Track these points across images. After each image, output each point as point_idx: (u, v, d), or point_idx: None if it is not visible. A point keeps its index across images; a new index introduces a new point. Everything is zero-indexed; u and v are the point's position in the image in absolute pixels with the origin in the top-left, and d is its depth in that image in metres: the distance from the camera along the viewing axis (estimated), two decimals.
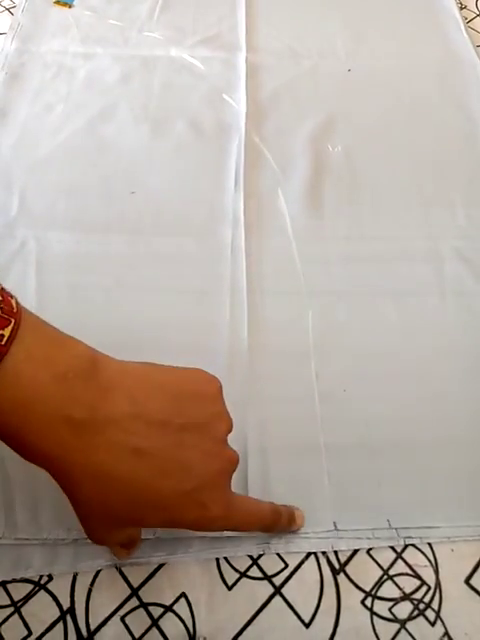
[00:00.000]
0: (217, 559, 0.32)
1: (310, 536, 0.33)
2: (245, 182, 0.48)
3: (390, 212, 0.47)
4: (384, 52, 0.60)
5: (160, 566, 0.31)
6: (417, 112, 0.55)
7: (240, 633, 0.30)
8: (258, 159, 0.49)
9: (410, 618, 0.31)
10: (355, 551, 0.32)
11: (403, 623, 0.30)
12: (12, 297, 0.23)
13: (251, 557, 0.32)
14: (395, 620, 0.31)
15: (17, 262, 0.42)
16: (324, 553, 0.32)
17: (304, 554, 0.32)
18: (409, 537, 0.33)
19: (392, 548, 0.33)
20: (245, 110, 0.52)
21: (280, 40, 0.60)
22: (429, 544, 0.33)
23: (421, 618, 0.31)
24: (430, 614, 0.31)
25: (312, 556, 0.32)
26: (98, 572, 0.31)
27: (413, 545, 0.33)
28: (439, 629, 0.30)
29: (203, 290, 0.42)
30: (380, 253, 0.45)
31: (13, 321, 0.22)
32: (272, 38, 0.60)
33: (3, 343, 0.21)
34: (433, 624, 0.30)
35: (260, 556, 0.32)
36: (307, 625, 0.30)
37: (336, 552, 0.32)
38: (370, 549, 0.33)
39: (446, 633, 0.30)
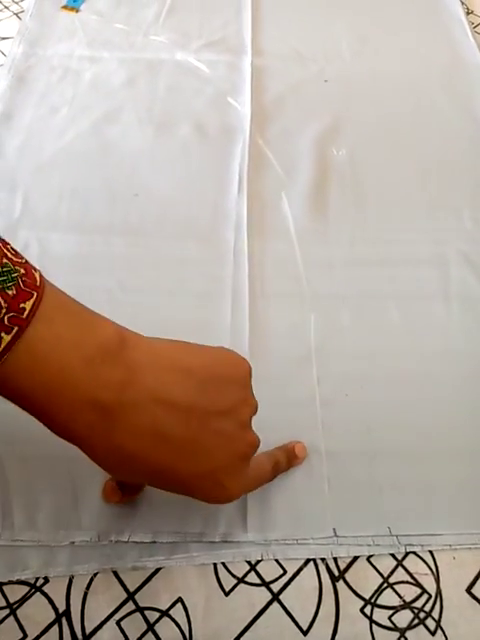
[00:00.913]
0: (214, 564, 0.31)
1: (309, 542, 0.32)
2: (249, 185, 0.47)
3: (395, 216, 0.47)
4: (390, 56, 0.60)
5: (157, 571, 0.31)
6: (423, 116, 0.55)
7: (237, 639, 0.30)
8: (262, 162, 0.49)
9: (410, 627, 0.30)
10: (355, 558, 0.32)
11: (403, 632, 0.30)
12: (36, 270, 0.22)
13: (249, 563, 0.32)
14: (395, 629, 0.30)
15: None
16: (323, 560, 0.32)
17: (303, 560, 0.32)
18: (410, 544, 0.32)
19: (393, 555, 0.32)
20: (250, 113, 0.52)
21: (286, 43, 0.60)
22: (430, 552, 0.32)
23: (421, 627, 0.30)
24: (430, 623, 0.30)
25: (311, 563, 0.32)
26: (94, 575, 0.31)
27: (414, 553, 0.32)
28: (439, 639, 0.30)
29: (205, 293, 0.42)
30: (384, 257, 0.44)
31: (35, 294, 0.21)
32: (278, 41, 0.60)
33: (24, 317, 0.21)
34: (433, 633, 0.30)
35: (258, 562, 0.32)
36: (305, 632, 0.30)
37: (335, 559, 0.32)
38: (370, 556, 0.32)
39: None
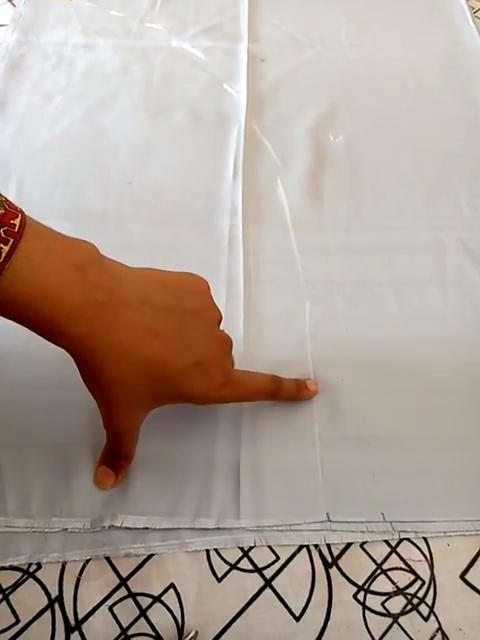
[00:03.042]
0: (207, 550, 0.31)
1: (302, 528, 0.32)
2: (244, 172, 0.47)
3: (392, 202, 0.47)
4: (388, 42, 0.59)
5: (149, 557, 0.31)
6: (421, 102, 0.54)
7: (229, 625, 0.29)
8: (258, 149, 0.49)
9: (403, 613, 0.30)
10: (348, 545, 0.32)
11: (396, 618, 0.30)
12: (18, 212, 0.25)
13: (242, 549, 0.32)
14: (388, 615, 0.30)
15: None
16: (316, 546, 0.32)
17: (296, 547, 0.32)
18: (404, 531, 0.32)
19: (386, 542, 0.32)
20: (245, 100, 0.52)
21: (282, 30, 0.59)
22: (424, 538, 0.32)
23: (414, 613, 0.30)
24: (424, 609, 0.30)
25: (304, 549, 0.32)
26: (87, 561, 0.31)
27: (408, 539, 0.32)
28: (432, 624, 0.30)
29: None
30: (381, 244, 0.44)
31: (20, 214, 0.24)
32: (274, 28, 0.59)
33: (16, 231, 0.24)
34: (426, 619, 0.30)
35: (251, 548, 0.32)
36: (297, 618, 0.30)
37: (329, 545, 0.32)
38: (364, 543, 0.32)
39: (440, 628, 0.29)
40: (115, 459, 0.33)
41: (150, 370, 0.28)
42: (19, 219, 0.24)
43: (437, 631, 0.29)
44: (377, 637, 0.29)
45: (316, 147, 0.49)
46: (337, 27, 0.60)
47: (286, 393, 0.35)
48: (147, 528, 0.31)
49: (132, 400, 0.29)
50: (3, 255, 0.23)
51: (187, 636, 0.29)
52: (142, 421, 0.31)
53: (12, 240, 0.23)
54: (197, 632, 0.29)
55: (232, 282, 0.41)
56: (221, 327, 0.32)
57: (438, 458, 0.35)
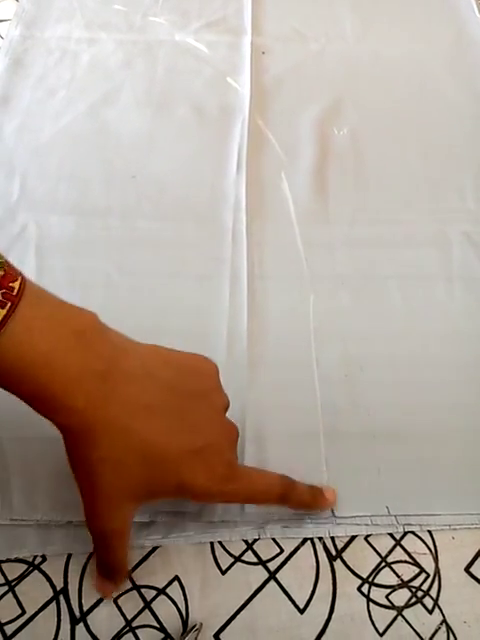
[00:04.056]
0: (211, 543, 0.31)
1: (306, 521, 0.32)
2: (248, 166, 0.47)
3: (397, 196, 0.46)
4: (394, 35, 0.58)
5: (154, 549, 0.31)
6: (427, 95, 0.54)
7: (233, 617, 0.30)
8: (261, 142, 0.49)
9: (407, 605, 0.30)
10: (353, 538, 0.32)
11: (400, 610, 0.30)
12: (18, 275, 0.24)
13: (246, 542, 0.32)
14: (392, 607, 0.30)
15: (17, 246, 0.42)
16: (321, 539, 0.32)
17: (300, 540, 0.32)
18: (409, 524, 0.32)
19: (391, 535, 0.32)
20: (249, 93, 0.52)
21: (287, 23, 0.59)
22: (429, 532, 0.32)
23: (419, 606, 0.30)
24: (428, 602, 0.30)
25: (308, 542, 0.32)
26: (91, 554, 0.31)
27: (412, 532, 0.32)
28: (437, 617, 0.30)
29: (203, 275, 0.41)
30: (386, 237, 0.44)
31: (20, 277, 0.23)
32: (278, 21, 0.59)
33: (15, 294, 0.23)
34: (431, 612, 0.30)
35: (255, 541, 0.32)
36: (302, 611, 0.30)
37: (333, 538, 0.32)
38: (368, 536, 0.32)
39: (444, 621, 0.29)
40: (106, 571, 0.29)
41: (145, 452, 0.25)
42: (18, 282, 0.23)
43: (441, 624, 0.29)
44: (381, 630, 0.29)
45: (320, 141, 0.49)
46: (342, 20, 0.59)
47: (297, 499, 0.30)
48: (152, 521, 0.32)
49: (120, 487, 0.25)
50: (2, 315, 0.22)
51: (191, 628, 0.29)
52: (130, 521, 0.27)
53: (10, 304, 0.22)
54: (202, 624, 0.29)
55: (236, 276, 0.41)
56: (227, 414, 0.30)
57: (443, 452, 0.34)
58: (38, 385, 0.23)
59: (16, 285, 0.23)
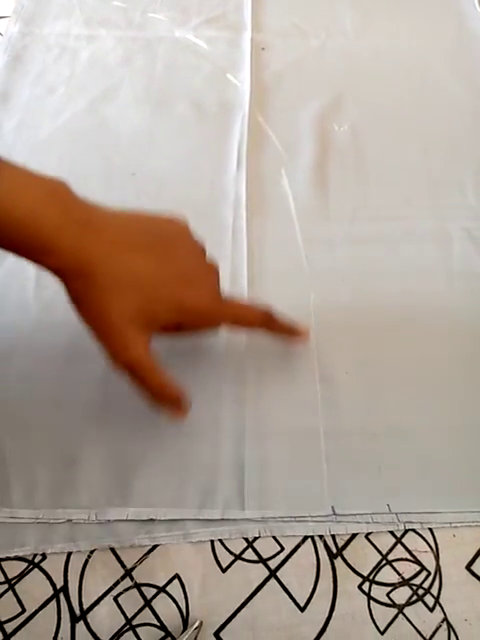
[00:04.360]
0: (211, 541, 0.31)
1: (307, 520, 0.32)
2: (248, 163, 0.47)
3: (397, 192, 0.46)
4: (394, 30, 0.58)
5: (154, 547, 0.31)
6: (427, 91, 0.53)
7: (234, 616, 0.30)
8: (261, 139, 0.48)
9: (408, 603, 0.30)
10: (353, 535, 0.32)
11: (401, 608, 0.30)
12: None
13: (246, 540, 0.32)
14: (393, 605, 0.30)
15: None
16: (321, 537, 0.32)
17: (301, 538, 0.32)
18: (409, 522, 0.32)
19: (392, 533, 0.32)
20: (249, 90, 0.51)
21: (287, 19, 0.58)
22: (430, 529, 0.32)
23: (420, 604, 0.30)
24: (429, 600, 0.30)
25: (309, 540, 0.32)
26: (92, 552, 0.31)
27: (413, 530, 0.32)
28: (438, 615, 0.30)
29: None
30: (386, 234, 0.44)
31: None
32: (278, 17, 0.58)
33: None
34: (432, 609, 0.30)
35: (256, 539, 0.32)
36: (302, 609, 0.30)
37: (334, 536, 0.32)
38: (369, 534, 0.32)
39: (445, 619, 0.29)
40: (163, 403, 0.31)
41: (141, 280, 0.28)
42: None
43: (442, 622, 0.29)
44: (382, 627, 0.29)
45: (321, 137, 0.49)
46: (342, 16, 0.59)
47: (279, 325, 0.35)
48: (152, 519, 0.32)
49: (127, 313, 0.28)
50: None
51: (191, 626, 0.29)
52: (148, 348, 0.29)
53: None
54: (202, 623, 0.29)
55: (236, 273, 0.41)
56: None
57: (444, 449, 0.34)
58: (28, 236, 0.26)
59: None
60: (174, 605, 0.30)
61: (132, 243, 0.28)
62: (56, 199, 0.26)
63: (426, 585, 0.30)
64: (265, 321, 0.34)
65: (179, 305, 0.29)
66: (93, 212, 0.28)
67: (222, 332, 0.38)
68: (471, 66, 0.55)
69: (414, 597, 0.30)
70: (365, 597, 0.30)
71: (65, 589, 0.30)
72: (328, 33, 0.57)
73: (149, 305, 0.29)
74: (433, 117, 0.51)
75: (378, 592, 0.30)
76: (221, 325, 0.34)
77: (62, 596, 0.30)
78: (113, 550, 0.31)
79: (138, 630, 0.29)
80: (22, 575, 0.30)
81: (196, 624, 0.29)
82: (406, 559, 0.31)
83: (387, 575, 0.31)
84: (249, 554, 0.31)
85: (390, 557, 0.31)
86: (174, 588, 0.30)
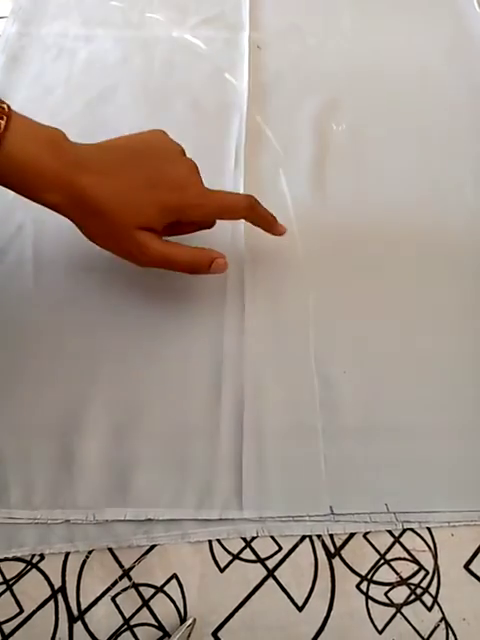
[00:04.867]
0: (210, 541, 0.31)
1: (305, 519, 0.32)
2: (246, 163, 0.47)
3: (396, 192, 0.46)
4: (392, 29, 0.58)
5: (152, 547, 0.31)
6: (426, 90, 0.53)
7: (232, 615, 0.30)
8: (259, 139, 0.48)
9: (406, 603, 0.30)
10: (351, 535, 0.32)
11: (399, 608, 0.30)
12: (4, 102, 0.31)
13: (244, 539, 0.32)
14: (391, 604, 0.30)
15: (15, 245, 0.42)
16: (319, 536, 0.32)
17: (298, 537, 0.32)
18: (408, 521, 0.32)
19: (390, 532, 0.32)
20: (247, 89, 0.51)
21: (284, 18, 0.58)
22: (428, 529, 0.32)
23: (418, 603, 0.30)
24: (427, 599, 0.30)
25: (307, 539, 0.32)
26: (90, 552, 0.31)
27: (411, 529, 0.32)
28: (436, 614, 0.30)
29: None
30: (385, 233, 0.44)
31: (6, 102, 0.31)
32: (276, 16, 0.58)
33: (6, 111, 0.30)
34: (430, 609, 0.30)
35: (253, 538, 0.32)
36: (300, 608, 0.30)
37: (331, 536, 0.32)
38: (367, 533, 0.32)
39: (443, 618, 0.29)
40: (192, 273, 0.37)
41: (126, 195, 0.33)
42: (6, 104, 0.31)
43: (441, 621, 0.29)
44: (380, 627, 0.29)
45: (319, 136, 0.49)
46: (340, 15, 0.59)
47: (262, 214, 0.38)
48: (150, 519, 0.32)
49: (127, 224, 0.33)
50: (2, 126, 0.30)
51: (185, 624, 0.29)
52: (158, 239, 0.34)
53: (6, 117, 0.30)
54: (195, 620, 0.29)
55: (234, 273, 0.41)
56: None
57: (442, 448, 0.34)
58: (31, 178, 0.31)
59: (5, 106, 0.30)
60: (172, 605, 0.30)
61: (115, 167, 0.33)
62: (53, 146, 0.31)
63: (424, 584, 0.30)
64: (249, 208, 0.37)
65: (165, 206, 0.34)
66: (82, 152, 0.33)
67: (221, 331, 0.38)
68: (469, 65, 0.55)
69: (412, 596, 0.30)
70: (363, 597, 0.30)
71: (63, 589, 0.30)
72: (326, 32, 0.57)
73: (142, 211, 0.33)
74: (432, 116, 0.51)
75: (376, 591, 0.30)
76: (210, 216, 0.37)
77: (60, 596, 0.30)
78: (111, 550, 0.31)
79: (136, 630, 0.29)
80: (20, 576, 0.30)
81: (189, 621, 0.29)
82: (404, 558, 0.31)
83: (385, 574, 0.31)
84: (247, 554, 0.31)
85: (388, 556, 0.31)
86: (172, 588, 0.30)
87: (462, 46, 0.57)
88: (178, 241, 0.36)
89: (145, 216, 0.33)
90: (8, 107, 0.31)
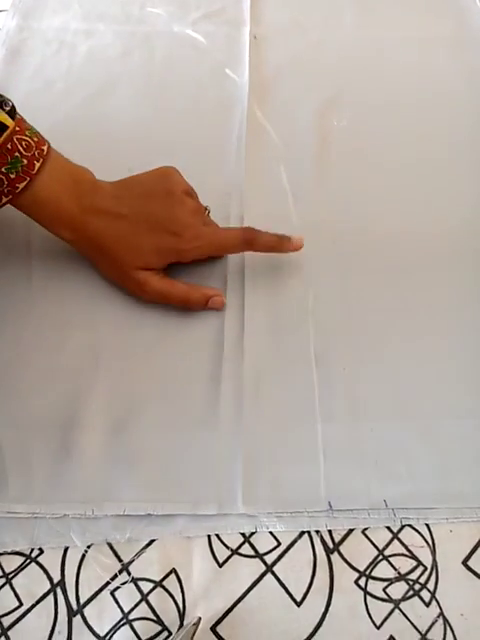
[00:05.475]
0: (208, 536, 0.31)
1: (303, 515, 0.32)
2: (246, 158, 0.46)
3: (397, 188, 0.46)
4: (393, 24, 0.58)
5: (151, 542, 0.31)
6: (427, 85, 0.53)
7: (230, 610, 0.30)
8: (260, 134, 0.48)
9: (404, 598, 0.30)
10: (350, 531, 0.32)
11: (397, 603, 0.30)
12: (45, 142, 0.36)
13: (243, 535, 0.32)
14: (389, 600, 0.30)
15: (18, 239, 0.42)
16: (318, 532, 0.32)
17: (297, 533, 0.32)
18: (406, 517, 0.32)
19: (388, 528, 0.32)
20: (248, 84, 0.51)
21: (285, 13, 0.58)
22: (427, 525, 0.32)
23: (416, 599, 0.30)
24: (425, 595, 0.30)
25: (305, 535, 0.32)
26: (88, 547, 0.31)
27: (410, 525, 0.32)
28: (434, 610, 0.30)
29: (200, 269, 0.41)
30: (386, 230, 0.43)
31: (47, 143, 0.36)
32: (277, 11, 0.58)
33: (45, 154, 0.35)
34: (428, 605, 0.30)
35: (252, 534, 0.32)
36: (298, 604, 0.30)
37: (330, 531, 0.32)
38: (365, 529, 0.32)
39: (441, 614, 0.29)
40: (189, 309, 0.38)
41: (128, 239, 0.36)
42: (46, 146, 0.35)
43: (439, 616, 0.29)
44: (378, 622, 0.29)
45: (320, 132, 0.48)
46: (341, 10, 0.59)
47: (263, 242, 0.38)
48: (149, 514, 0.32)
49: (130, 263, 0.37)
50: (37, 168, 0.34)
51: (190, 622, 0.29)
52: (157, 277, 0.37)
53: (42, 160, 0.34)
54: (200, 618, 0.29)
55: (234, 270, 0.41)
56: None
57: (441, 445, 0.34)
58: (51, 214, 0.36)
59: (45, 148, 0.35)
60: (171, 599, 0.30)
61: (122, 212, 0.37)
62: (75, 188, 0.36)
63: (422, 580, 0.30)
64: (246, 243, 0.38)
65: (162, 249, 0.37)
66: (97, 197, 0.37)
67: (220, 330, 0.38)
68: (471, 60, 0.55)
69: (410, 592, 0.30)
70: (361, 592, 0.30)
71: (62, 583, 0.30)
72: (327, 27, 0.57)
73: (142, 254, 0.37)
74: (433, 112, 0.51)
75: (374, 587, 0.30)
76: (207, 255, 0.39)
77: (59, 590, 0.30)
78: (110, 545, 0.31)
79: (135, 624, 0.29)
80: (19, 569, 0.30)
81: (194, 620, 0.29)
82: (402, 554, 0.31)
83: (383, 570, 0.31)
84: (246, 549, 0.31)
85: (386, 552, 0.31)
86: (171, 583, 0.30)
87: (463, 41, 0.57)
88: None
89: (145, 258, 0.37)
90: (48, 148, 0.35)
